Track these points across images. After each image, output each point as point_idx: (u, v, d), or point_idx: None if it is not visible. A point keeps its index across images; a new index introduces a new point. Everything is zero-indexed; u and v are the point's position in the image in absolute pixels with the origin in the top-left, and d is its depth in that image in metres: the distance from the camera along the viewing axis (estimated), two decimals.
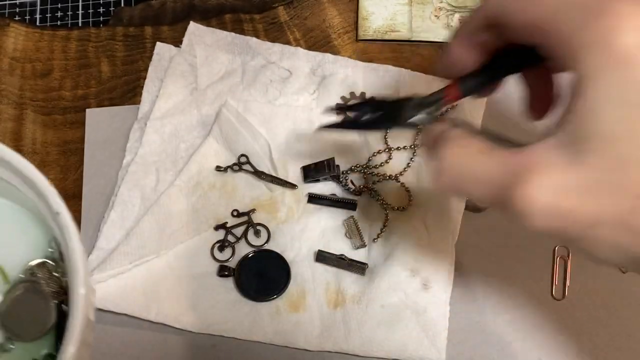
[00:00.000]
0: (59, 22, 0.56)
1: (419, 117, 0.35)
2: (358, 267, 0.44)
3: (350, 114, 0.38)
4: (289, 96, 0.49)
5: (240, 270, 0.44)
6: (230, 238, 0.45)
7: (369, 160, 0.48)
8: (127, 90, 0.51)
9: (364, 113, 0.37)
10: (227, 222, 0.45)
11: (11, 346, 0.34)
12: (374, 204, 0.46)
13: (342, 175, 0.47)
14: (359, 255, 0.45)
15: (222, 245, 0.45)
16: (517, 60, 0.32)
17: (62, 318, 0.33)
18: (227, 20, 0.54)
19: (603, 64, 0.23)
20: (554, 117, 0.27)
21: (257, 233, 0.45)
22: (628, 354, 0.42)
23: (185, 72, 0.50)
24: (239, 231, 0.45)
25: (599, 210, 0.24)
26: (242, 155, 0.47)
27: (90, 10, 0.57)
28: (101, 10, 0.57)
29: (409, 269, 0.43)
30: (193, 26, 0.52)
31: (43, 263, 0.35)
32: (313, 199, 0.46)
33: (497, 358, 0.42)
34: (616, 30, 0.23)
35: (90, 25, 0.56)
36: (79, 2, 0.57)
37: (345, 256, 0.44)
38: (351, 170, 0.47)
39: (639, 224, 0.23)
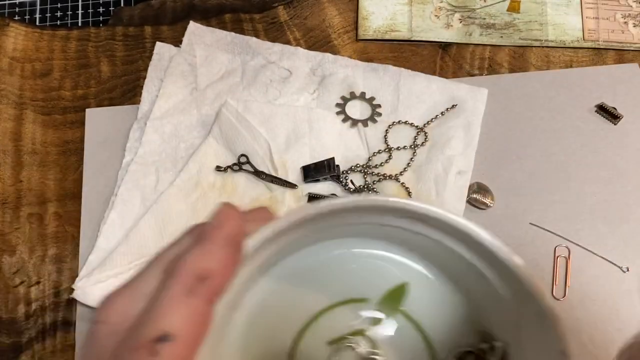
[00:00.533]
0: (58, 22, 0.56)
1: None
2: None
3: None
4: (289, 96, 0.49)
5: None
6: None
7: (369, 160, 0.48)
8: (126, 90, 0.51)
9: None
10: None
11: None
12: None
13: (342, 175, 0.47)
14: None
15: None
16: None
17: None
18: (227, 20, 0.54)
19: None
20: None
21: None
22: None
23: (185, 72, 0.50)
24: None
25: None
26: (242, 155, 0.47)
27: (90, 10, 0.57)
28: (101, 10, 0.57)
29: None
30: (193, 26, 0.52)
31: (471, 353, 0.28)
32: (313, 198, 0.46)
33: None
34: None
35: (90, 25, 0.56)
36: (78, 2, 0.57)
37: None
38: (351, 170, 0.47)
39: None
